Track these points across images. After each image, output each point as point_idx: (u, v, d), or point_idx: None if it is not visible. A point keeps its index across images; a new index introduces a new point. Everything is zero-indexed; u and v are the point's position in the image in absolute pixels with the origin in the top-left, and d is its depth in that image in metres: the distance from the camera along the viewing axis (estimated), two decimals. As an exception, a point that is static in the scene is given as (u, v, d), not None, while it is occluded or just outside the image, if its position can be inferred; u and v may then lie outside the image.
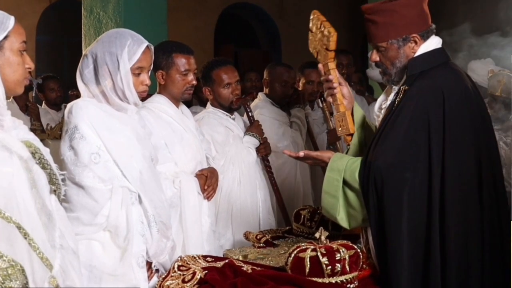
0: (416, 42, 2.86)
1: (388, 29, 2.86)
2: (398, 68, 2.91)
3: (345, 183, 2.85)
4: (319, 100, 5.16)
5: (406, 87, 2.84)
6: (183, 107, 3.81)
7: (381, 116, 3.02)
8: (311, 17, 3.13)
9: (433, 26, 2.91)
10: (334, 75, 3.05)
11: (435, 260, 2.68)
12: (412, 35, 2.85)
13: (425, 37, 2.87)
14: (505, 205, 2.92)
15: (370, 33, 2.94)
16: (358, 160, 2.86)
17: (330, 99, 3.13)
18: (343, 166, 2.86)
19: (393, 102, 2.91)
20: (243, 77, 7.09)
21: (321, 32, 3.06)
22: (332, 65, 3.05)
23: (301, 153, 3.05)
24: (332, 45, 3.00)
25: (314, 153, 3.08)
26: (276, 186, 4.45)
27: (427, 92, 2.78)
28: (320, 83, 5.08)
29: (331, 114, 5.16)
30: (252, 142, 4.27)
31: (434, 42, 2.89)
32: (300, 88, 5.16)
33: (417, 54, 2.87)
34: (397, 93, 2.90)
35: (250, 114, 4.39)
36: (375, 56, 2.98)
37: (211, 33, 9.75)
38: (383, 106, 3.01)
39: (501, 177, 2.95)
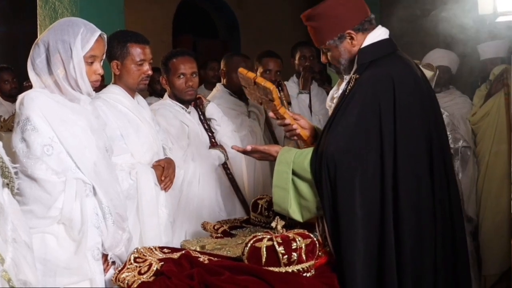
0: (352, 38, 2.94)
1: (323, 32, 2.98)
2: (345, 64, 3.01)
3: (295, 174, 2.89)
4: (277, 89, 5.14)
5: (357, 76, 2.89)
6: (139, 97, 3.78)
7: (333, 106, 3.04)
8: (240, 76, 3.25)
9: (371, 16, 2.99)
10: (288, 117, 3.16)
11: (390, 244, 2.72)
12: (346, 32, 2.94)
13: (362, 30, 2.95)
14: (454, 185, 3.01)
15: (312, 38, 3.07)
16: (305, 151, 2.91)
17: (295, 138, 3.24)
18: (291, 158, 2.90)
19: (344, 91, 2.96)
20: (205, 66, 7.06)
21: (258, 88, 3.17)
22: (282, 110, 3.17)
23: (248, 147, 3.07)
24: (275, 97, 3.10)
25: (261, 147, 3.10)
26: (235, 182, 4.49)
27: (377, 79, 2.83)
28: (277, 72, 5.09)
29: (289, 103, 5.15)
30: (220, 158, 4.34)
31: (380, 33, 2.98)
32: (257, 78, 5.14)
33: (365, 44, 2.94)
34: (348, 82, 2.95)
35: (202, 117, 4.41)
36: (323, 58, 3.10)
37: (170, 23, 9.66)
38: (335, 96, 3.06)
39: (451, 160, 3.05)
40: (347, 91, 2.91)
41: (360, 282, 2.72)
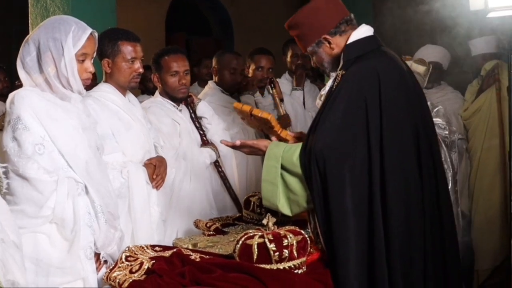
0: (329, 42, 3.03)
1: (303, 39, 3.10)
2: (329, 66, 3.12)
3: (284, 168, 2.92)
4: (269, 86, 5.15)
5: (343, 72, 2.94)
6: (130, 95, 3.77)
7: (320, 103, 3.07)
8: (236, 110, 3.44)
9: (348, 17, 3.06)
10: (291, 139, 3.32)
11: (379, 236, 2.75)
12: (322, 37, 3.03)
13: (339, 32, 3.03)
14: (443, 179, 3.05)
15: (298, 45, 3.21)
16: (294, 146, 2.95)
17: None
18: (280, 152, 2.93)
19: (331, 87, 3.01)
20: (199, 64, 7.06)
21: (255, 119, 3.33)
22: (284, 133, 3.35)
23: (238, 142, 3.12)
24: (275, 124, 3.29)
25: (250, 142, 3.14)
26: (226, 180, 4.49)
27: (362, 74, 2.87)
28: (269, 69, 5.09)
29: (281, 100, 5.16)
30: (211, 156, 4.33)
31: (365, 30, 3.04)
32: (249, 75, 5.14)
33: (350, 41, 3.00)
34: (334, 79, 3.00)
35: (193, 115, 4.40)
36: (312, 62, 3.23)
37: (162, 21, 9.63)
38: (322, 93, 3.10)
39: (439, 155, 3.06)
40: (334, 87, 2.95)
41: (353, 276, 2.74)
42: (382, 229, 2.75)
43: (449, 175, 4.92)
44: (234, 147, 3.15)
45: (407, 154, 2.85)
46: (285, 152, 2.93)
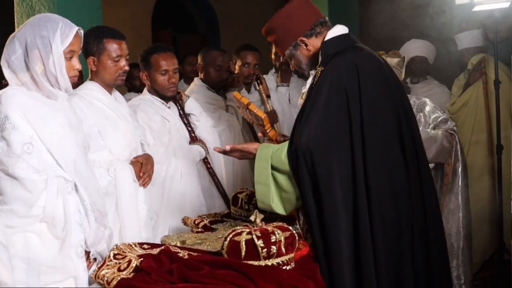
0: (306, 44, 3.12)
1: (280, 44, 3.19)
2: (307, 68, 3.20)
3: (274, 168, 2.96)
4: (256, 82, 5.14)
5: (322, 68, 3.01)
6: (116, 93, 3.76)
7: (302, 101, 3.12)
8: (234, 99, 3.70)
9: (322, 19, 3.15)
10: (277, 139, 3.48)
11: (365, 225, 2.78)
12: (298, 40, 3.12)
13: (314, 34, 3.11)
14: (426, 167, 3.09)
15: (276, 49, 3.33)
16: (282, 145, 3.00)
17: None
18: (270, 153, 2.98)
19: (311, 84, 3.07)
20: (183, 61, 7.04)
21: (250, 113, 3.55)
22: (272, 133, 3.51)
23: (227, 147, 3.15)
24: (266, 123, 3.47)
25: (239, 146, 3.17)
26: (215, 176, 4.50)
27: (341, 66, 2.94)
28: (255, 66, 5.08)
29: (268, 96, 5.15)
30: (201, 153, 4.34)
31: (340, 29, 3.13)
32: (236, 71, 5.13)
33: (326, 38, 3.08)
34: (314, 76, 3.07)
35: (181, 112, 4.40)
36: (290, 66, 3.32)
37: (149, 18, 9.60)
38: (303, 91, 3.15)
39: (421, 146, 3.09)
40: (314, 84, 3.01)
41: (346, 265, 2.77)
42: (368, 217, 2.78)
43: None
44: (224, 152, 3.16)
45: (390, 140, 2.90)
46: (273, 153, 2.97)
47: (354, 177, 2.80)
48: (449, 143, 4.70)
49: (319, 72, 3.01)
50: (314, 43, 3.11)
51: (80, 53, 3.01)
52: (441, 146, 4.64)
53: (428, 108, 4.84)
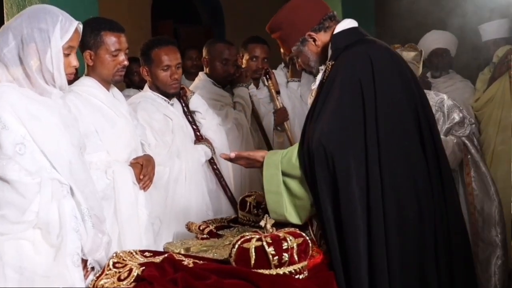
0: (314, 39, 3.15)
1: (286, 40, 3.23)
2: (316, 65, 3.23)
3: (285, 174, 2.98)
4: (264, 77, 5.15)
5: (333, 62, 3.03)
6: (115, 90, 3.76)
7: (312, 99, 3.17)
8: None
9: (331, 13, 3.19)
10: None
11: (379, 226, 2.80)
12: (307, 34, 3.16)
13: (323, 28, 3.16)
14: (444, 155, 3.10)
15: (281, 48, 3.38)
16: (291, 148, 3.03)
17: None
18: (279, 158, 3.00)
19: (321, 80, 3.09)
20: (183, 55, 7.04)
21: None
22: None
23: (232, 154, 3.19)
24: None
25: (245, 153, 3.22)
26: (222, 179, 4.49)
27: (354, 58, 2.98)
28: (264, 59, 5.09)
29: (278, 92, 5.15)
30: (207, 153, 4.34)
31: (349, 22, 3.17)
32: (243, 65, 5.13)
33: (336, 31, 3.12)
34: (324, 71, 3.09)
35: (185, 109, 4.40)
36: (297, 64, 3.36)
37: (148, 8, 9.59)
38: (313, 88, 3.17)
39: (439, 135, 3.13)
40: (324, 79, 3.03)
41: (364, 270, 2.79)
42: (383, 218, 2.81)
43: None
44: (230, 160, 3.19)
45: (408, 133, 2.93)
46: (283, 157, 2.99)
47: (367, 174, 2.82)
48: (460, 151, 4.71)
49: (330, 67, 3.03)
50: (323, 38, 3.15)
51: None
52: (453, 155, 4.65)
53: (447, 106, 4.84)
